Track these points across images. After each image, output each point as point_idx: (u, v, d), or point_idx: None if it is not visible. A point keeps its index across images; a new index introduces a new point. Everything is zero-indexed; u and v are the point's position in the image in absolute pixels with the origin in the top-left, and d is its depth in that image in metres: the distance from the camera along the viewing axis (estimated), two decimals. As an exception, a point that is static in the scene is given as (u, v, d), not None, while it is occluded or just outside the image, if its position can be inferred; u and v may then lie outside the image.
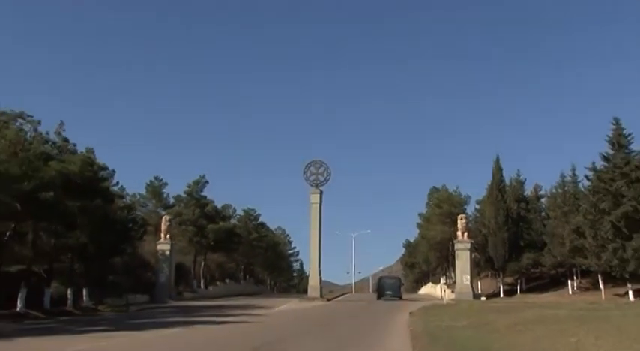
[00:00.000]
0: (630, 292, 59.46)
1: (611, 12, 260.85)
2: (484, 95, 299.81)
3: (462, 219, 75.99)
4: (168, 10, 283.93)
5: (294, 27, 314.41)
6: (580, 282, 73.53)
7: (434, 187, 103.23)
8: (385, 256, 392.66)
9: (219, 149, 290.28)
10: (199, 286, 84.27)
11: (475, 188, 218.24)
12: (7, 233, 42.29)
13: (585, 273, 71.38)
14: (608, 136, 63.12)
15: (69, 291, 49.29)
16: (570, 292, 71.66)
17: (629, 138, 62.18)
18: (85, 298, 52.39)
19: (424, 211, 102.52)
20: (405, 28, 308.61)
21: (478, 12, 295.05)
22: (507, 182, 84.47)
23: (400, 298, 77.10)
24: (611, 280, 64.01)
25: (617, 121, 63.19)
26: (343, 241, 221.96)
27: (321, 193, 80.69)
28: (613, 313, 26.81)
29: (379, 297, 77.63)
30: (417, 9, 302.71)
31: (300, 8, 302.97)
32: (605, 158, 63.04)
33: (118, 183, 59.97)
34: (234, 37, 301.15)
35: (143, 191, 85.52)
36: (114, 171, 56.92)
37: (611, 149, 62.64)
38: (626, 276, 58.85)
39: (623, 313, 26.12)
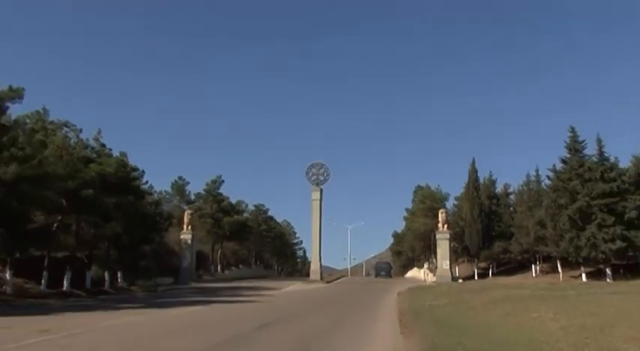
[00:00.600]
0: (583, 275, 60.12)
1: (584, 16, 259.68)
2: (464, 100, 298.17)
3: (442, 213, 76.18)
4: (181, 12, 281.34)
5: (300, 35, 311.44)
6: (542, 266, 73.73)
7: (418, 186, 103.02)
8: (376, 244, 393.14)
9: (233, 150, 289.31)
10: (216, 270, 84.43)
11: (454, 186, 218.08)
12: (55, 225, 42.69)
13: (546, 258, 71.69)
14: (566, 142, 63.97)
15: (106, 274, 49.64)
16: (534, 274, 71.94)
17: (583, 144, 63.23)
18: (119, 280, 52.73)
19: (410, 205, 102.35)
20: (389, 30, 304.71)
21: (458, 13, 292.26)
22: (481, 181, 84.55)
23: (390, 277, 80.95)
24: (568, 264, 64.58)
25: (573, 130, 64.02)
26: (340, 231, 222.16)
27: (321, 190, 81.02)
28: (569, 292, 26.97)
29: (376, 276, 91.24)
30: (405, 13, 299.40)
31: (300, 12, 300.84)
32: (564, 161, 63.82)
33: (147, 182, 60.10)
34: (244, 44, 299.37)
35: (169, 189, 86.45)
36: (144, 171, 57.04)
37: (569, 153, 63.43)
38: (580, 261, 59.69)
39: (578, 293, 26.28)
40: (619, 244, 56.43)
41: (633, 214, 58.27)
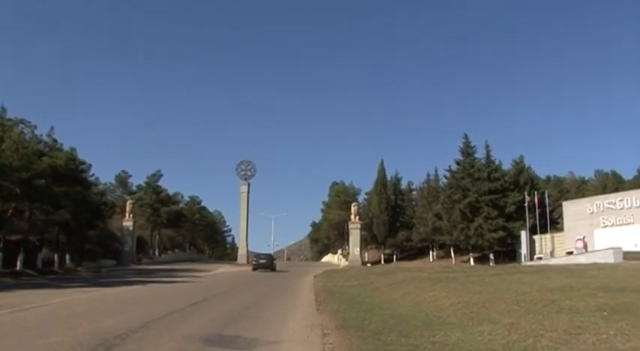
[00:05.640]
0: (472, 259, 62.32)
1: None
2: (374, 107, 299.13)
3: (354, 206, 77.24)
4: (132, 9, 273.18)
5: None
6: (438, 252, 75.53)
7: (334, 182, 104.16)
8: (296, 232, 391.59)
9: (173, 148, 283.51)
10: (154, 254, 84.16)
11: (365, 182, 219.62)
12: (10, 211, 42.26)
13: (442, 245, 73.59)
14: (459, 146, 66.22)
15: (55, 256, 48.76)
16: (431, 259, 73.69)
17: (473, 148, 65.72)
18: (67, 261, 51.71)
19: (326, 199, 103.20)
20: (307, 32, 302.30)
21: (372, 14, 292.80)
22: (388, 179, 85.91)
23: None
24: (459, 250, 66.79)
25: (466, 136, 66.44)
26: (265, 220, 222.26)
27: (248, 184, 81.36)
28: (459, 275, 27.61)
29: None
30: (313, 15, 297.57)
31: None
32: (458, 163, 65.91)
33: (93, 174, 59.91)
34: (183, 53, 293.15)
35: (113, 180, 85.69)
36: (91, 164, 56.77)
37: (462, 156, 65.65)
38: (469, 248, 62.19)
39: (466, 275, 26.96)
40: (500, 233, 58.98)
41: (512, 208, 60.96)
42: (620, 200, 53.45)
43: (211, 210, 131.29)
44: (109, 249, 67.59)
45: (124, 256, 68.22)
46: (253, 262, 55.53)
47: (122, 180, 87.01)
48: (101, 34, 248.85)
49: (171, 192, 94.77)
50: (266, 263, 53.08)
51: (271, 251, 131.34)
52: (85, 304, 18.03)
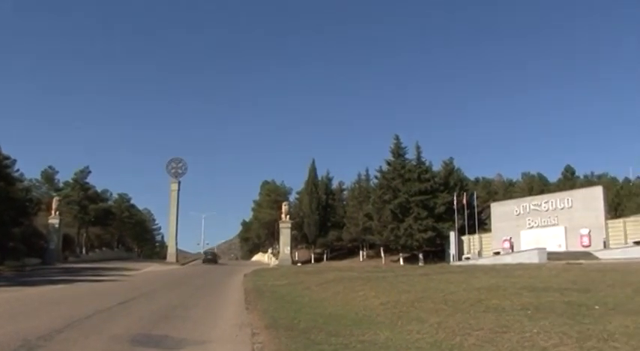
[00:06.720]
0: (401, 259, 62.98)
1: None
2: (304, 107, 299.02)
3: (285, 205, 77.04)
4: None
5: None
6: (368, 252, 76.17)
7: (265, 181, 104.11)
8: (227, 231, 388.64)
9: (103, 144, 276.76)
10: (81, 252, 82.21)
11: (296, 182, 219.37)
12: None
13: (372, 245, 74.22)
14: (390, 147, 66.98)
15: (-25, 255, 47.08)
16: (361, 259, 74.22)
17: (404, 149, 66.56)
18: (-13, 260, 50.08)
19: (257, 198, 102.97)
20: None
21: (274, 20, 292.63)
22: (319, 178, 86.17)
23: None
24: (389, 250, 67.42)
25: (397, 137, 67.32)
26: (195, 219, 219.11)
27: (179, 182, 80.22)
28: (389, 274, 27.84)
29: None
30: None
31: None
32: (388, 163, 66.71)
33: (18, 170, 58.34)
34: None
35: (39, 176, 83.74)
36: (15, 160, 55.04)
37: (393, 157, 66.45)
38: (399, 248, 62.86)
39: (396, 274, 27.21)
40: (430, 234, 59.98)
41: (442, 209, 62.16)
42: (546, 202, 55.30)
43: (141, 208, 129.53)
44: (33, 247, 65.43)
45: (50, 254, 66.23)
46: (203, 257, 79.99)
47: (48, 176, 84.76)
48: (23, 27, 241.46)
49: (99, 189, 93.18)
50: (212, 258, 77.88)
51: (201, 250, 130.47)
52: (6, 304, 17.39)
